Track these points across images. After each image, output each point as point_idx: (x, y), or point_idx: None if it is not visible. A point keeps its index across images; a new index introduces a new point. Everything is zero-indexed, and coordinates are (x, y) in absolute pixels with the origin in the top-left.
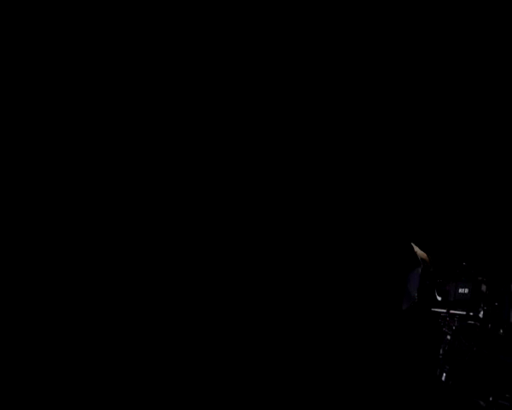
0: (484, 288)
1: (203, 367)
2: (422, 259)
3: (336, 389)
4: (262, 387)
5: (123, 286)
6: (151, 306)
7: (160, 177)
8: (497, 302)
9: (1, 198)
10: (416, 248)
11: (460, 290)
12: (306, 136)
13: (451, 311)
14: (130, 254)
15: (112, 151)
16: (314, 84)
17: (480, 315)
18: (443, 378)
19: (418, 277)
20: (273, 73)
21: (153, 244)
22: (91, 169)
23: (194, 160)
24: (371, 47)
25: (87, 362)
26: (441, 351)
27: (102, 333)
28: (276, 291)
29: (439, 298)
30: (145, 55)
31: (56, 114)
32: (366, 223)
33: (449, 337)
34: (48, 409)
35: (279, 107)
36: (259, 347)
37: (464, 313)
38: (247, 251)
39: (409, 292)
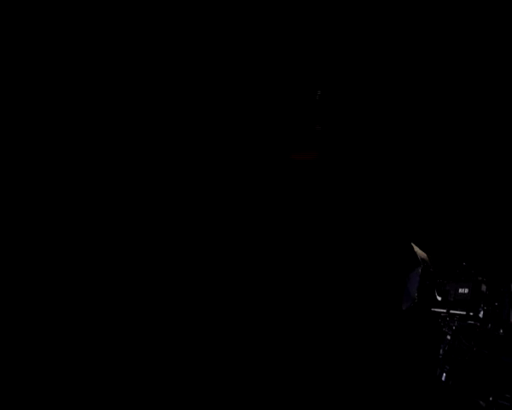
0: (484, 288)
1: (203, 367)
2: (422, 259)
3: (336, 389)
4: (262, 387)
5: (123, 286)
6: (151, 306)
7: (160, 177)
8: (497, 302)
9: (1, 198)
10: (416, 248)
11: (460, 290)
12: (306, 136)
13: (451, 311)
14: (130, 255)
15: (111, 152)
16: (314, 85)
17: (480, 315)
18: (443, 378)
19: (418, 277)
20: (272, 74)
21: (153, 245)
22: (91, 170)
23: (194, 160)
24: (372, 47)
25: (87, 362)
26: (441, 351)
27: (102, 333)
28: (277, 291)
29: (439, 298)
30: (143, 56)
31: (54, 114)
32: (366, 223)
33: (449, 337)
34: (48, 409)
35: (278, 107)
36: (260, 347)
37: (464, 313)
38: (247, 251)
39: (409, 292)
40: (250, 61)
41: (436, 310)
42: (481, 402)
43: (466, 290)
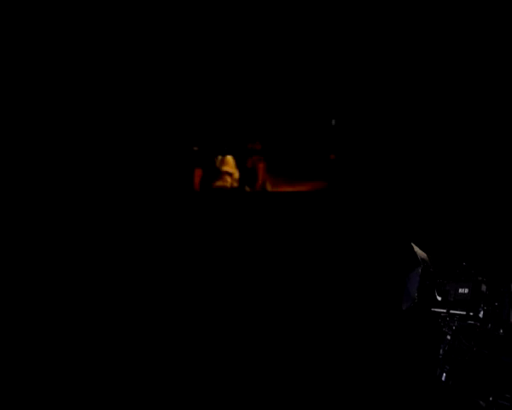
0: (484, 288)
1: (203, 367)
2: (422, 259)
3: (336, 389)
4: (262, 387)
5: (122, 286)
6: (151, 306)
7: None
8: (497, 302)
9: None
10: (416, 248)
11: (460, 290)
12: (308, 134)
13: (451, 311)
14: (129, 256)
15: (110, 153)
16: (313, 85)
17: (480, 315)
18: (443, 378)
19: (418, 277)
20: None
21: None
22: (89, 170)
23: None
24: (373, 47)
25: (87, 362)
26: (441, 351)
27: (102, 333)
28: (277, 292)
29: (439, 298)
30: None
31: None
32: (366, 223)
33: (449, 337)
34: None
35: (276, 106)
36: (260, 347)
37: (464, 313)
38: (247, 251)
39: (409, 292)
40: (264, 91)
41: (436, 310)
42: (481, 402)
43: (466, 290)
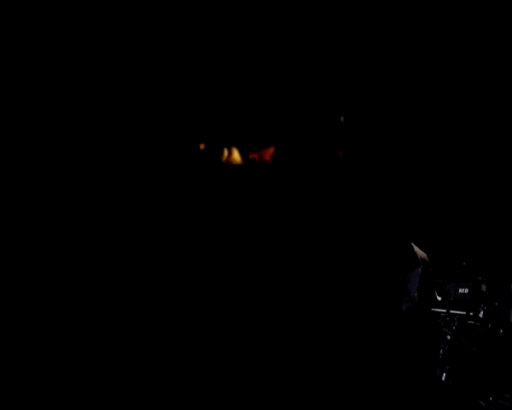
0: (484, 288)
1: (203, 367)
2: (422, 259)
3: (336, 389)
4: (262, 387)
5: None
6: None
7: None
8: (497, 302)
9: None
10: (416, 248)
11: (460, 290)
12: (307, 133)
13: (451, 311)
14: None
15: (110, 152)
16: (312, 84)
17: (480, 315)
18: (443, 378)
19: (418, 277)
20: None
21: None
22: (89, 170)
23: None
24: (372, 47)
25: (87, 362)
26: (441, 351)
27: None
28: (277, 291)
29: (439, 298)
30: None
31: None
32: (366, 223)
33: (449, 337)
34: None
35: (274, 105)
36: (260, 348)
37: (464, 313)
38: (247, 250)
39: (409, 292)
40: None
41: (436, 310)
42: (481, 402)
43: (466, 290)
